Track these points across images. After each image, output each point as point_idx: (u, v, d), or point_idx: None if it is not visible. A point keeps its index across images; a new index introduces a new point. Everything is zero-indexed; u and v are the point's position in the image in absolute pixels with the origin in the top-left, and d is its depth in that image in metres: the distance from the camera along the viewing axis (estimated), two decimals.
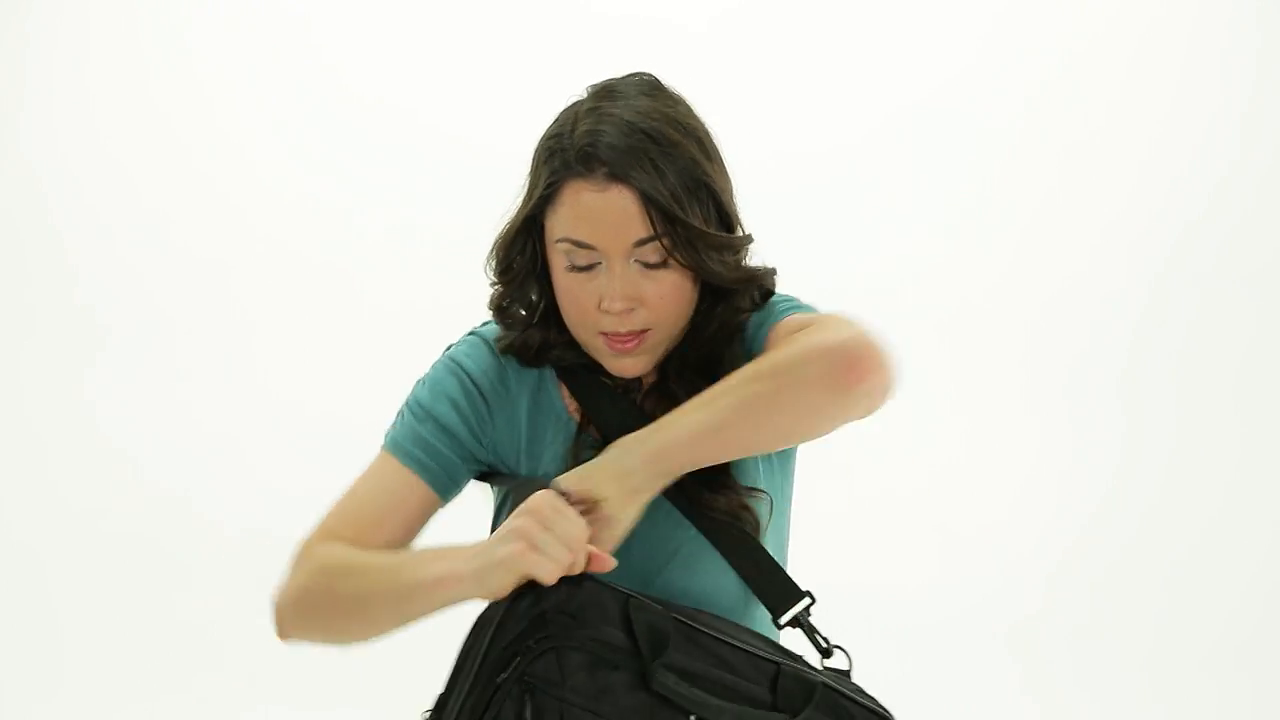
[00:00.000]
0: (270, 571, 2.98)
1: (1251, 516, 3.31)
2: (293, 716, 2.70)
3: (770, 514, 1.44)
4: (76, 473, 3.10)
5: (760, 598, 1.39)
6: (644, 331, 1.37)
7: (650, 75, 1.42)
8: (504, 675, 1.21)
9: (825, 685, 1.30)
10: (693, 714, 1.24)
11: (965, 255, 3.33)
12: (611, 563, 1.26)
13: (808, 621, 1.38)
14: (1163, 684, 3.18)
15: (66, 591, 3.05)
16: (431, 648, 1.59)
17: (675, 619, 1.26)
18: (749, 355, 1.41)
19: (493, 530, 1.45)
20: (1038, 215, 3.36)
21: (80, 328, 3.16)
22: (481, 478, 1.48)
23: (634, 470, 1.30)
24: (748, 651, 1.28)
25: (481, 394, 1.45)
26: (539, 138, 1.41)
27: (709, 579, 1.41)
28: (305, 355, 3.15)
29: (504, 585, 1.23)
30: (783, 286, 1.57)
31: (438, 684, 1.46)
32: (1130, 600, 3.27)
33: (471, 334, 1.50)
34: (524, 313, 1.45)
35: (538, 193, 1.36)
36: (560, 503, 1.25)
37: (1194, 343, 3.36)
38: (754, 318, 1.47)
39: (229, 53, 3.24)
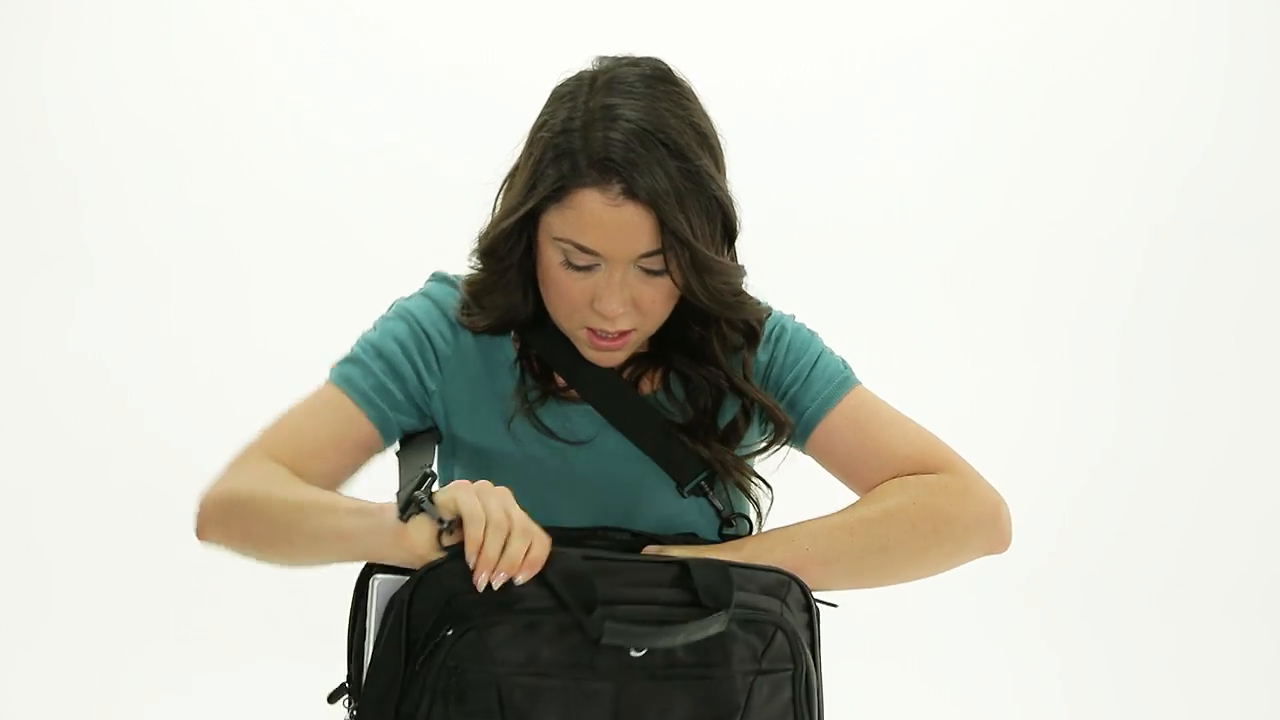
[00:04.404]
0: None
1: (1261, 458, 3.30)
2: (287, 660, 2.69)
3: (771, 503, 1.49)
4: (71, 411, 3.10)
5: (666, 471, 1.42)
6: (628, 331, 1.37)
7: (659, 63, 1.37)
8: (423, 659, 1.18)
9: (730, 564, 1.27)
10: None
11: (960, 196, 3.31)
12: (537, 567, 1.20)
13: (708, 490, 1.41)
14: (1178, 627, 3.20)
15: (57, 530, 3.05)
16: None
17: (587, 558, 1.23)
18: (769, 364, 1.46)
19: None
20: (1033, 153, 3.34)
21: (80, 266, 3.15)
22: (409, 438, 1.44)
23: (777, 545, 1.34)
24: (657, 562, 1.26)
25: (430, 342, 1.44)
26: (537, 123, 1.36)
27: (674, 501, 1.42)
28: (305, 301, 3.15)
29: (421, 538, 1.20)
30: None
31: None
32: (1145, 545, 3.26)
33: (423, 295, 1.48)
34: (503, 299, 1.42)
35: (544, 190, 1.32)
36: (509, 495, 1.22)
37: (1195, 287, 3.35)
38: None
39: None
